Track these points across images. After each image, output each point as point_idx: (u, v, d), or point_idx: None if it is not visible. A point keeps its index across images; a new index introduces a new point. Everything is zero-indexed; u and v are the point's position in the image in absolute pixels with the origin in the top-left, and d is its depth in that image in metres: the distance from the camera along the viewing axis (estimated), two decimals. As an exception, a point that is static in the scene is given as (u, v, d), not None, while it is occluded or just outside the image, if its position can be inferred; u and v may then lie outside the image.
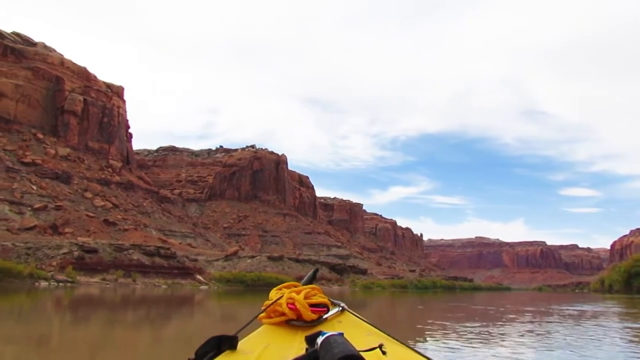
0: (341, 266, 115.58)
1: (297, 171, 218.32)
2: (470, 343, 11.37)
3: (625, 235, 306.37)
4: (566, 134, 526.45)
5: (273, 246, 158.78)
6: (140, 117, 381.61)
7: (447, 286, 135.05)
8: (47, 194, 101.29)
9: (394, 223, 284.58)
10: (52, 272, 49.63)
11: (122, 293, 43.05)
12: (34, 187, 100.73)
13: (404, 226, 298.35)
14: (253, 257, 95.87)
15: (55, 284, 47.57)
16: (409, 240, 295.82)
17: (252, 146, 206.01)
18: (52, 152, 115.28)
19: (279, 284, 2.07)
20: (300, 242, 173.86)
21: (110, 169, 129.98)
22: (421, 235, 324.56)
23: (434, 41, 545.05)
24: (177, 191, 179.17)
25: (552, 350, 10.61)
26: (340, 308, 1.97)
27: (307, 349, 1.51)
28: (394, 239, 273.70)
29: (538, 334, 14.27)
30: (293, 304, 1.82)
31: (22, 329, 14.42)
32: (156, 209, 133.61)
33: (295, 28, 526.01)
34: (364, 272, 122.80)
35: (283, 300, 1.84)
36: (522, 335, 13.88)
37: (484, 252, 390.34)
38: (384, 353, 1.49)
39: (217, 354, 1.60)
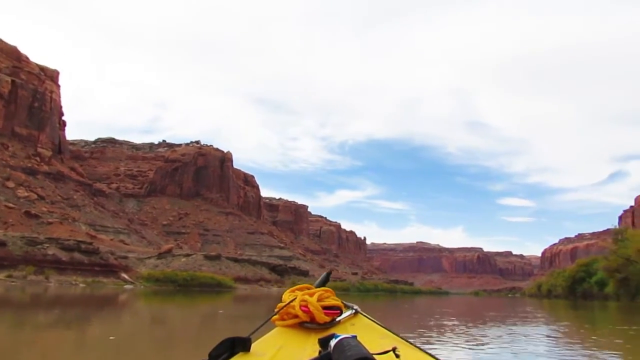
0: (282, 267, 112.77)
1: (243, 170, 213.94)
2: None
3: (554, 244, 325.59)
4: (506, 146, 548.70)
5: (214, 245, 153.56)
6: (83, 106, 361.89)
7: (388, 289, 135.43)
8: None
9: (338, 226, 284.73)
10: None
11: (31, 292, 38.92)
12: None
13: (348, 229, 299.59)
14: (188, 255, 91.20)
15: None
16: (352, 243, 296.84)
17: (197, 142, 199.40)
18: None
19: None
20: (243, 242, 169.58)
21: (38, 158, 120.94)
22: (365, 238, 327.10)
23: (386, 49, 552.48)
24: (114, 185, 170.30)
25: None
26: (354, 311, 1.93)
27: (320, 352, 1.50)
28: (338, 242, 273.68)
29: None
30: (306, 306, 1.80)
31: None
32: (88, 202, 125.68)
33: (248, 27, 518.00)
34: (305, 273, 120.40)
35: (296, 303, 1.82)
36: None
37: (425, 257, 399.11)
38: (397, 356, 1.47)
39: (231, 356, 1.59)
